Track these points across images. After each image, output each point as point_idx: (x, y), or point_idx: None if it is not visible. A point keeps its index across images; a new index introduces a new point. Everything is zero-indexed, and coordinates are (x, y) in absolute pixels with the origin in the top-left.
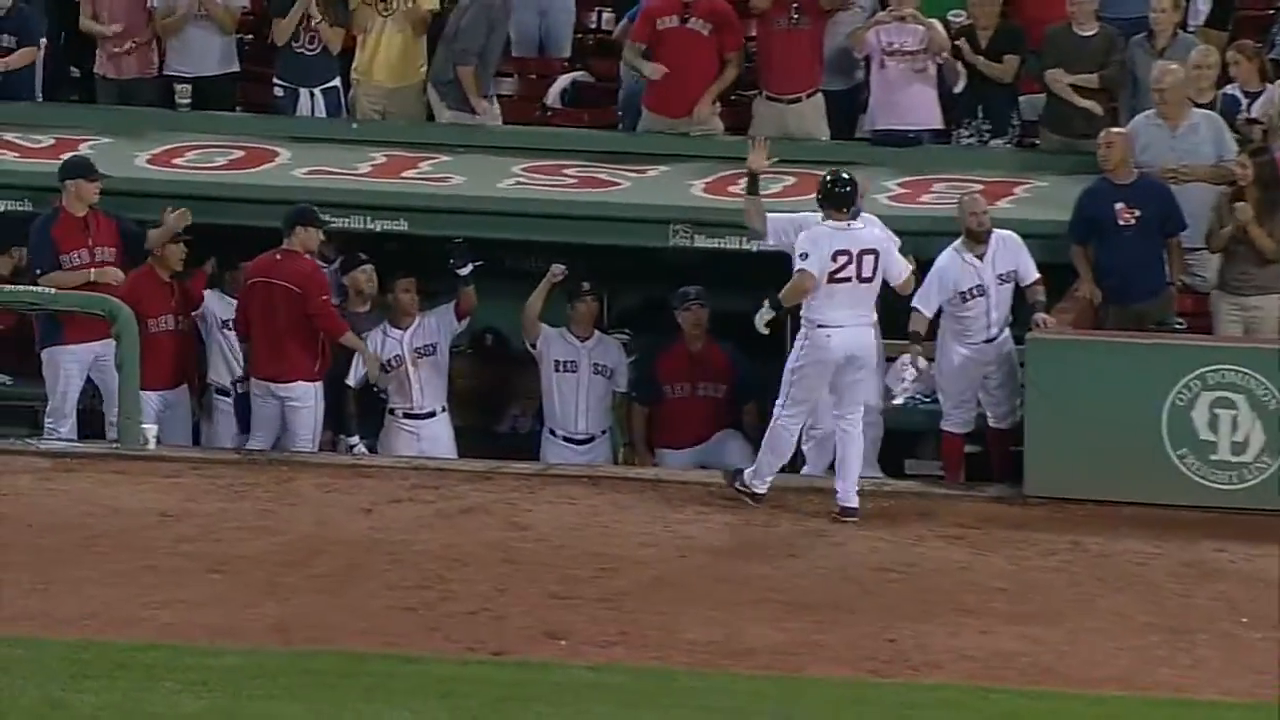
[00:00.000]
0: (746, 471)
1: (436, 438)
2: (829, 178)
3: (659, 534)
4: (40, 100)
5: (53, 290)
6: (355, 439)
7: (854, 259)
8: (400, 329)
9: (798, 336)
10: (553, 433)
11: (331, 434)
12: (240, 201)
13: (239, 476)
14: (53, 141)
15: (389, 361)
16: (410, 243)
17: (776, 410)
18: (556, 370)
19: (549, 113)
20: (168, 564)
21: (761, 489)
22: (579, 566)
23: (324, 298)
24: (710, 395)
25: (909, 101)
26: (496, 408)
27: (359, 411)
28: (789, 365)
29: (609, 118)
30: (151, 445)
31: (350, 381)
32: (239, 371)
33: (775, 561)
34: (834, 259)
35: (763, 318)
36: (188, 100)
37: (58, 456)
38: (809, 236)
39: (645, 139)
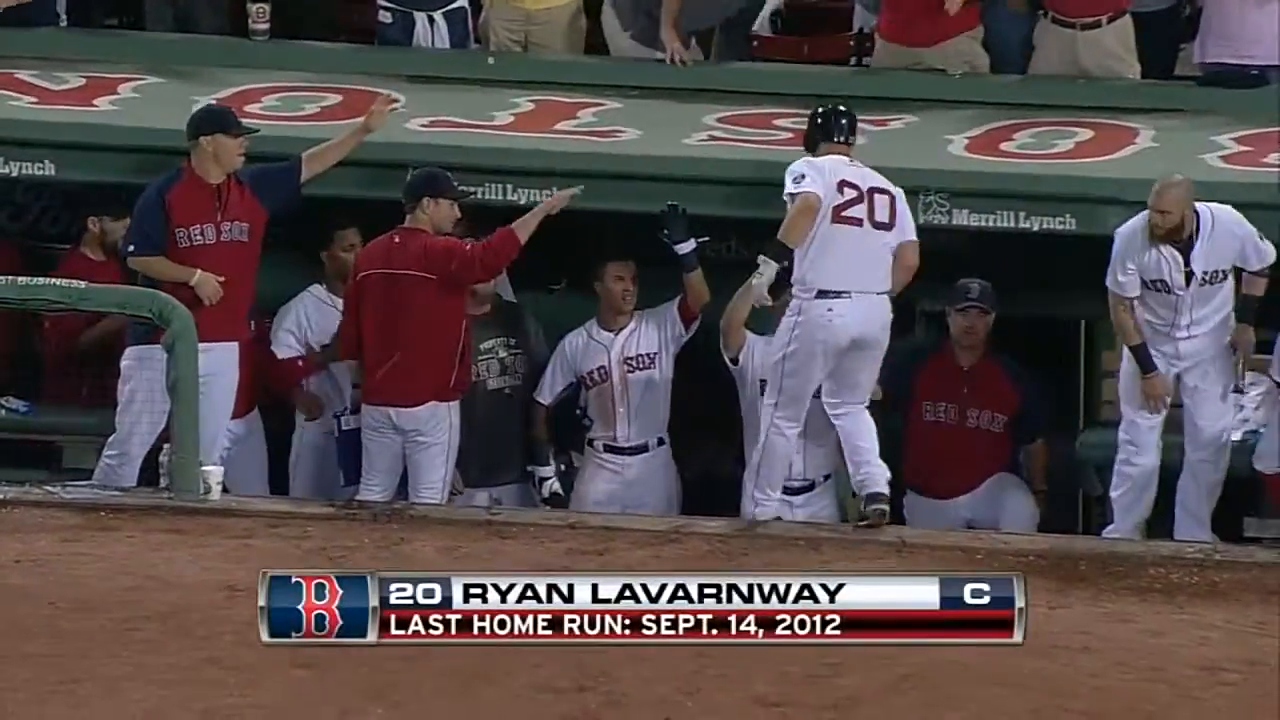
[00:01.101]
0: (746, 498)
1: (648, 480)
2: (820, 109)
3: None
4: (65, 25)
5: (82, 284)
6: (549, 471)
7: (864, 196)
8: (609, 331)
9: (788, 310)
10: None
11: (456, 482)
12: (339, 165)
13: (334, 538)
14: (81, 82)
15: (591, 375)
16: (592, 221)
17: (765, 411)
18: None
19: (755, 43)
20: (237, 657)
21: (768, 509)
22: (794, 662)
23: (469, 255)
24: (984, 427)
25: (1252, 28)
26: (685, 444)
27: (553, 436)
28: (776, 349)
29: (838, 50)
30: (215, 495)
31: (542, 397)
32: (346, 400)
33: (1062, 656)
34: (839, 189)
35: (763, 280)
36: (265, 25)
37: (91, 510)
38: (803, 164)
39: (885, 79)
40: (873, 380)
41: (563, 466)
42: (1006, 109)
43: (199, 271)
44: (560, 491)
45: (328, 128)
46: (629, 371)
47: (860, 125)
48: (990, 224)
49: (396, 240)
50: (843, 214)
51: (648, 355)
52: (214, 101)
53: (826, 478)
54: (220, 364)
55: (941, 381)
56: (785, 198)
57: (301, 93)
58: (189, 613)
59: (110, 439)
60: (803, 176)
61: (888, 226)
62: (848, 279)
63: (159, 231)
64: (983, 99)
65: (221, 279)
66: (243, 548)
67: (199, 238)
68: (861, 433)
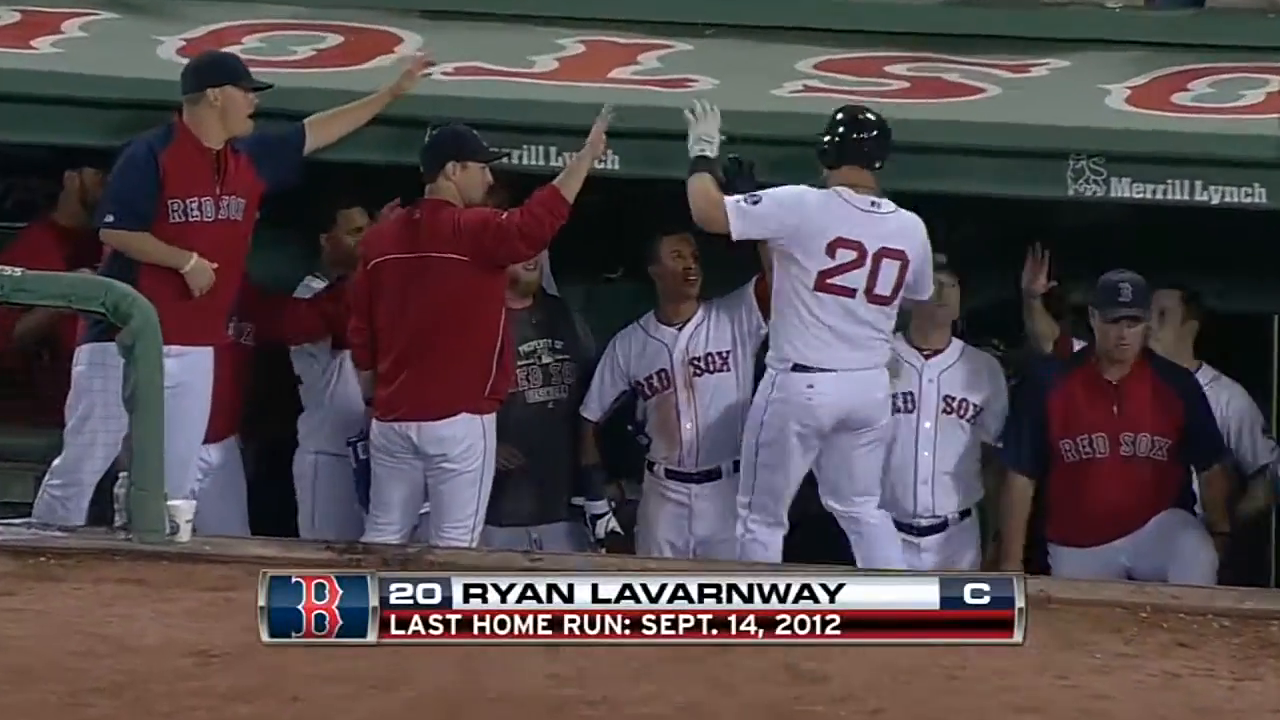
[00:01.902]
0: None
1: (723, 515)
2: (844, 114)
3: (1048, 691)
4: None
5: (16, 271)
6: (602, 506)
7: (866, 259)
8: (669, 325)
9: (762, 383)
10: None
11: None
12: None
13: None
14: (16, 18)
15: (648, 381)
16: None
17: (740, 511)
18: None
19: None
20: None
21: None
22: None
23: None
24: (1144, 455)
25: None
26: None
27: (605, 461)
28: (749, 432)
29: None
30: (184, 535)
31: (589, 412)
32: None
33: None
34: (830, 251)
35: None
36: None
37: (29, 554)
38: (793, 193)
39: (1025, 13)
40: (876, 468)
41: (612, 503)
42: (1179, 51)
43: (194, 255)
44: (619, 530)
45: (326, 76)
46: (695, 375)
47: (995, 72)
48: (1157, 196)
49: (416, 216)
50: (831, 281)
51: (719, 354)
52: (184, 42)
53: (965, 514)
54: (193, 370)
55: (1084, 405)
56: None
57: (291, 31)
58: (150, 683)
59: (54, 464)
60: (757, 202)
61: (887, 300)
62: (831, 355)
63: (147, 200)
64: (1149, 38)
65: (215, 266)
66: (220, 602)
67: (195, 213)
68: (880, 540)
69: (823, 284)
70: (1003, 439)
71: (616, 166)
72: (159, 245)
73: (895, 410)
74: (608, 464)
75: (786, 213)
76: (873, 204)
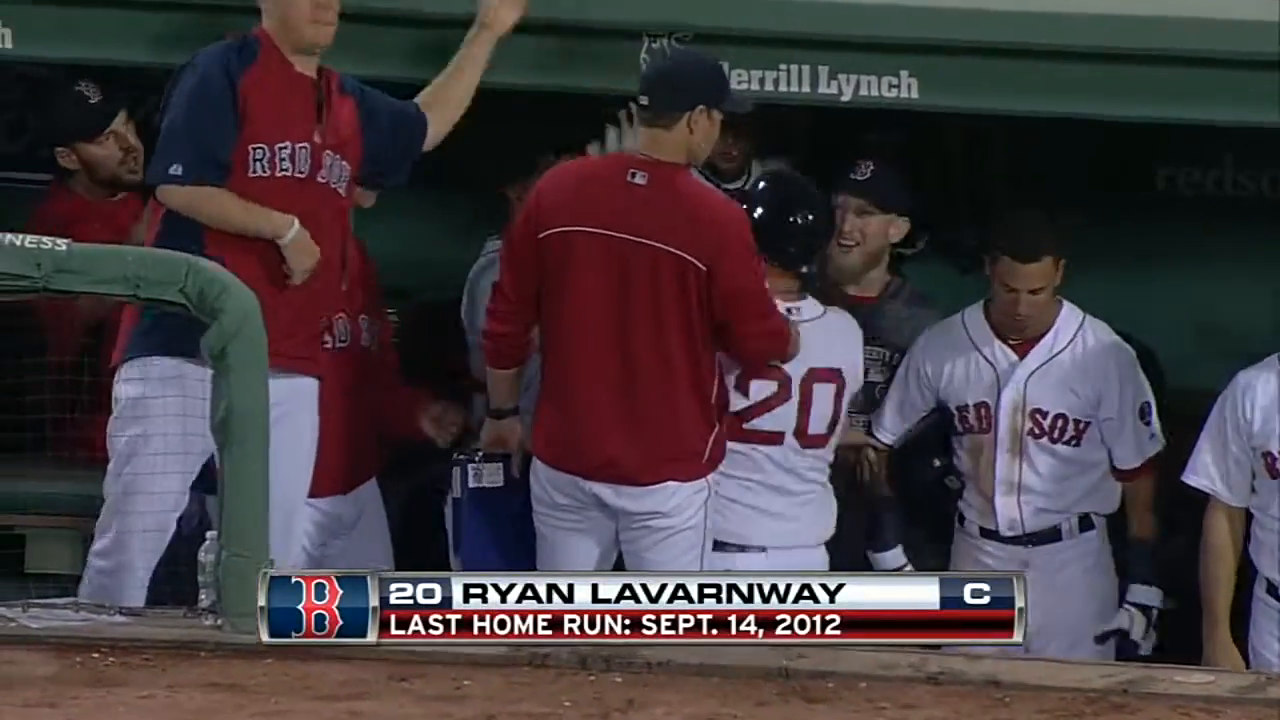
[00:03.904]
0: None
1: (1064, 589)
2: (771, 193)
3: None
4: None
5: (60, 244)
6: (898, 557)
7: (790, 390)
8: (1008, 341)
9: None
10: None
11: None
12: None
13: (508, 697)
14: None
15: (967, 412)
16: None
17: None
18: None
19: None
20: None
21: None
22: None
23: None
24: None
25: None
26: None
27: (898, 499)
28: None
29: None
30: None
31: (882, 433)
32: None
33: None
34: (742, 389)
35: None
36: None
37: (77, 649)
38: None
39: None
40: None
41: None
42: None
43: (295, 221)
44: None
45: None
46: (1041, 416)
47: None
48: None
49: (636, 179)
50: (749, 426)
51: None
52: None
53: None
54: (297, 396)
55: None
56: None
57: None
58: None
59: (99, 524)
60: None
61: (822, 440)
62: (756, 529)
63: (223, 142)
64: None
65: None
66: (345, 718)
67: (285, 164)
68: None
69: (738, 430)
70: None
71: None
72: (247, 207)
73: None
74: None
75: None
76: (799, 304)
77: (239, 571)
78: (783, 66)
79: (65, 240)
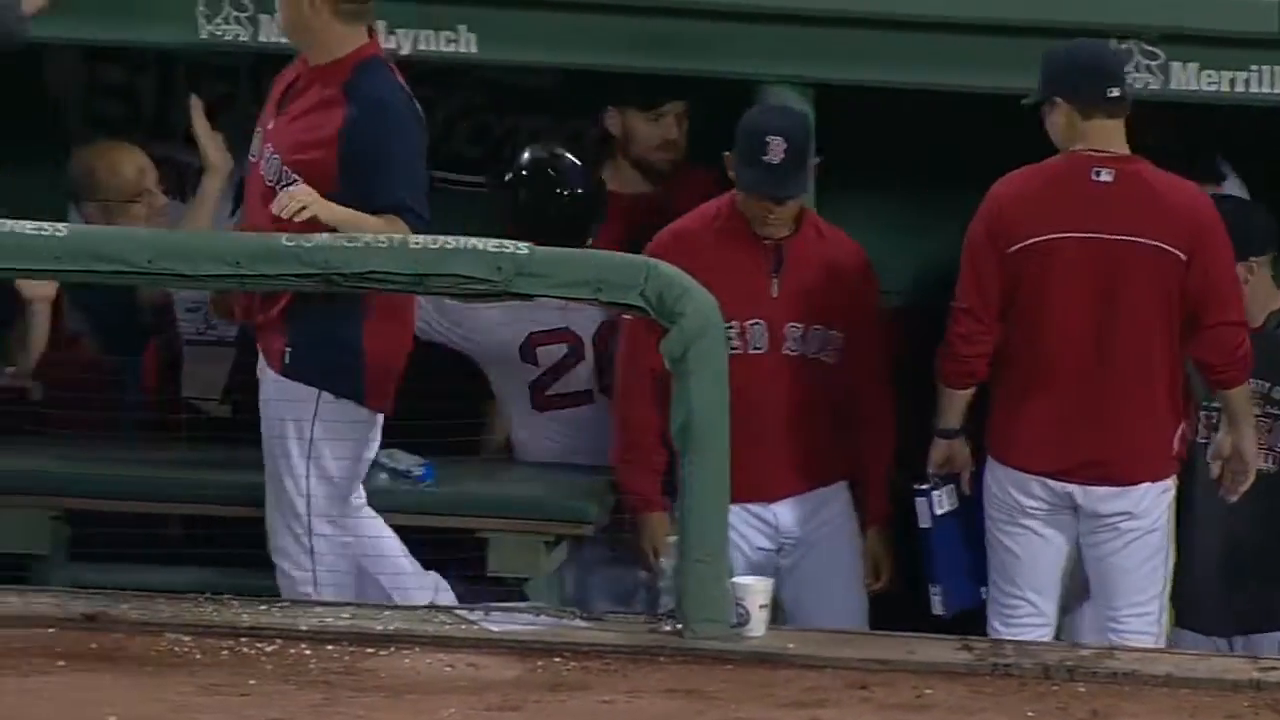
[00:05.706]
0: None
1: None
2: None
3: None
4: None
5: (522, 247)
6: None
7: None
8: None
9: None
10: None
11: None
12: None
13: (975, 707)
14: None
15: None
16: None
17: None
18: None
19: None
20: None
21: None
22: None
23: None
24: None
25: None
26: None
27: None
28: None
29: None
30: (758, 628)
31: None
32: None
33: None
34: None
35: None
36: None
37: (543, 653)
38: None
39: None
40: None
41: None
42: None
43: None
44: None
45: None
46: None
47: None
48: None
49: (1102, 177)
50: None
51: None
52: None
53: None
54: None
55: None
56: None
57: None
58: None
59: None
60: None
61: None
62: None
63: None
64: None
65: None
66: None
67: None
68: None
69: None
70: None
71: None
72: None
73: None
74: None
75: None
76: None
77: (699, 578)
78: None
79: (526, 244)
